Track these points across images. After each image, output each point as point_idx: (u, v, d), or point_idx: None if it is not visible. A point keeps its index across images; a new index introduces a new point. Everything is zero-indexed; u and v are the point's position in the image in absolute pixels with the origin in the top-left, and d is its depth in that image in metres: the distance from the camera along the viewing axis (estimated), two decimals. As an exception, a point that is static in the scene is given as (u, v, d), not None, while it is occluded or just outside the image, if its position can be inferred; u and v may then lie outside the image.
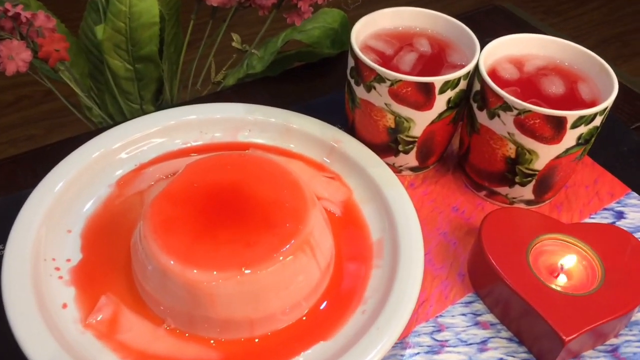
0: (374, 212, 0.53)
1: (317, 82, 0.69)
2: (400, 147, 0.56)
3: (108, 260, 0.49)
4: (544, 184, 0.54)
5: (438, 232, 0.55)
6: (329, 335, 0.45)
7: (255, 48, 0.66)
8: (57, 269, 0.48)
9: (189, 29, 0.63)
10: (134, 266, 0.47)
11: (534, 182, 0.54)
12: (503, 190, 0.56)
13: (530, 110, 0.49)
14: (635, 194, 0.59)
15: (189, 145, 0.57)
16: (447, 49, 0.57)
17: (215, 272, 0.43)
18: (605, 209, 0.58)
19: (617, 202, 0.58)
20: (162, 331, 0.45)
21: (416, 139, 0.55)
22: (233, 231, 0.45)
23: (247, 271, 0.43)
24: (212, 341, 0.45)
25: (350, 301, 0.48)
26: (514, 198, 0.56)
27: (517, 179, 0.54)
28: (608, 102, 0.50)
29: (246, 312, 0.44)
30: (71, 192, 0.52)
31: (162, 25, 0.58)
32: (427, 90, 0.52)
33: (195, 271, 0.43)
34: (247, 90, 0.67)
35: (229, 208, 0.47)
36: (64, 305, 0.45)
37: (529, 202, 0.56)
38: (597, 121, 0.50)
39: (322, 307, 0.47)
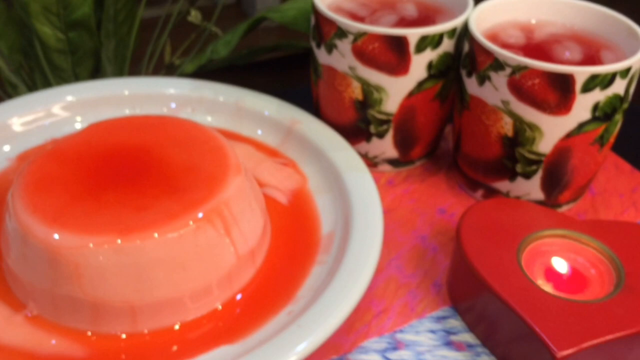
0: (330, 203, 0.47)
1: (291, 75, 0.65)
2: (372, 129, 0.50)
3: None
4: (555, 176, 0.47)
5: (415, 235, 0.48)
6: (237, 337, 0.38)
7: (218, 31, 0.63)
8: None
9: (142, 2, 0.60)
10: (2, 236, 0.42)
11: (540, 172, 0.46)
12: (503, 186, 0.48)
13: (526, 67, 0.43)
14: (687, 207, 0.51)
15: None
16: (436, 14, 0.52)
17: (84, 236, 0.37)
18: (645, 222, 0.50)
19: (662, 215, 0.50)
20: (21, 318, 0.39)
21: (391, 117, 0.49)
22: (124, 194, 0.39)
23: (127, 238, 0.37)
24: (89, 333, 0.38)
25: (278, 299, 0.41)
26: (517, 197, 0.48)
27: (518, 168, 0.47)
28: (632, 61, 0.43)
29: (125, 296, 0.37)
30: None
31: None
32: (399, 48, 0.46)
33: (58, 235, 0.37)
34: (208, 79, 0.63)
35: (128, 170, 0.41)
36: None
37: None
38: (619, 87, 0.43)
39: (238, 305, 0.40)
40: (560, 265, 0.41)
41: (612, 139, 0.47)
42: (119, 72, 0.62)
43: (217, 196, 0.40)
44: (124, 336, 0.38)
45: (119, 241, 0.37)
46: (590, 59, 0.47)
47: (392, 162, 0.52)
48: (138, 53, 0.63)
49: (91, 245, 0.37)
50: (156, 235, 0.37)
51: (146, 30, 0.65)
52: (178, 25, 0.64)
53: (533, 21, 0.50)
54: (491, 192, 0.49)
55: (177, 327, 0.40)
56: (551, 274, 0.40)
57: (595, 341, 0.36)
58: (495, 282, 0.39)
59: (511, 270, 0.39)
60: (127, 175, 0.41)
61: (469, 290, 0.41)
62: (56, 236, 0.37)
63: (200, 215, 0.39)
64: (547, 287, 0.39)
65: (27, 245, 0.38)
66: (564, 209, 0.49)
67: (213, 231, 0.39)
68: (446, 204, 0.50)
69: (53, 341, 0.38)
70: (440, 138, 0.54)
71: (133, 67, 0.64)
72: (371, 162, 0.52)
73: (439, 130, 0.52)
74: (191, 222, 0.38)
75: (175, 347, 0.38)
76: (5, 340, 0.38)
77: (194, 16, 0.61)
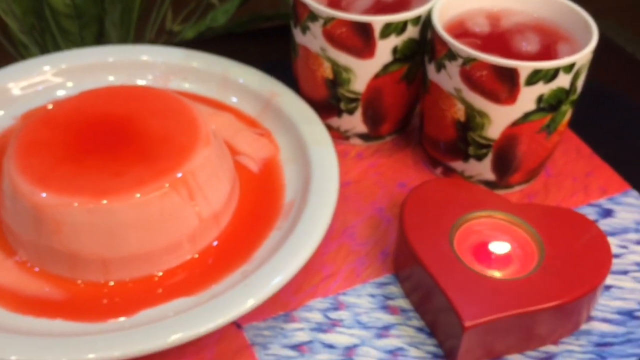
0: (295, 173, 0.52)
1: (288, 44, 0.70)
2: (343, 105, 0.55)
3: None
4: (505, 159, 0.51)
5: (373, 207, 0.53)
6: (194, 291, 0.44)
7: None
8: None
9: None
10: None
11: (490, 155, 0.51)
12: (458, 165, 0.53)
13: (475, 59, 0.47)
14: (635, 193, 0.54)
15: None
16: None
17: (64, 197, 0.43)
18: (591, 205, 0.53)
19: (609, 199, 0.54)
20: (11, 263, 0.45)
21: (359, 96, 0.54)
22: (104, 160, 0.45)
23: (101, 201, 0.43)
24: (79, 281, 0.45)
25: (235, 260, 0.46)
26: (470, 177, 0.53)
27: (470, 151, 0.51)
28: (576, 58, 0.46)
29: (98, 250, 0.43)
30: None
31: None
32: (365, 33, 0.50)
33: (43, 194, 0.43)
34: (207, 46, 0.68)
35: (109, 137, 0.47)
36: None
37: (491, 185, 0.53)
38: (564, 81, 0.47)
39: (198, 262, 0.46)
40: (490, 244, 0.45)
41: (561, 127, 0.50)
42: (125, 36, 0.67)
43: (184, 166, 0.45)
44: (112, 283, 0.45)
45: (93, 203, 0.43)
46: (547, 50, 0.50)
47: (362, 137, 0.57)
48: (143, 18, 0.68)
49: (71, 205, 0.43)
50: (125, 199, 0.43)
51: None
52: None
53: (500, 9, 0.54)
54: (449, 170, 0.54)
55: (160, 274, 0.46)
56: (479, 252, 0.45)
57: (501, 315, 0.41)
58: (425, 256, 0.43)
59: (441, 246, 0.44)
60: (108, 142, 0.47)
61: (406, 261, 0.46)
62: (40, 195, 0.43)
63: (167, 183, 0.44)
64: (474, 264, 0.44)
65: (16, 201, 0.44)
66: (515, 189, 0.54)
67: (178, 197, 0.45)
68: (407, 179, 0.55)
69: (36, 284, 0.44)
70: (411, 116, 0.58)
71: (137, 32, 0.69)
72: (343, 136, 0.57)
73: (407, 110, 0.57)
74: (158, 189, 0.44)
75: (148, 294, 0.45)
76: (-3, 281, 0.44)
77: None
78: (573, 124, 0.56)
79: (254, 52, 0.69)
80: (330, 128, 0.56)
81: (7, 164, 0.45)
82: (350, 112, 0.55)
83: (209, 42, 0.69)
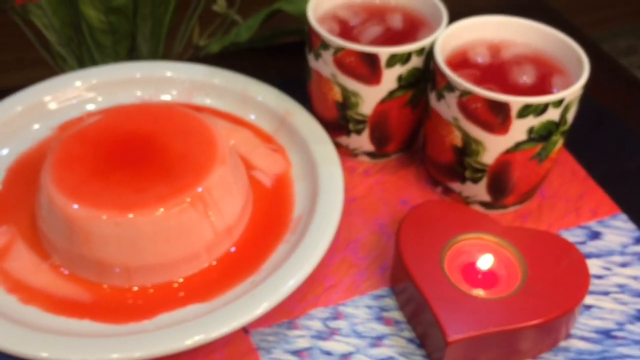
0: (305, 189, 0.56)
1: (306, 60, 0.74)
2: (351, 126, 0.59)
3: (23, 194, 0.55)
4: (499, 183, 0.55)
5: (376, 223, 0.57)
6: (209, 297, 0.49)
7: (242, 15, 0.71)
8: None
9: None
10: (37, 200, 0.53)
11: (485, 179, 0.55)
12: (456, 186, 0.57)
13: (470, 92, 0.51)
14: (624, 216, 0.58)
15: (142, 101, 0.64)
16: (420, 26, 0.59)
17: (93, 210, 0.48)
18: (581, 227, 0.57)
19: (599, 222, 0.57)
20: (46, 266, 0.51)
21: (366, 118, 0.58)
22: (129, 176, 0.50)
23: (126, 215, 0.48)
24: (104, 285, 0.50)
25: (244, 270, 0.51)
26: (467, 197, 0.57)
27: (467, 174, 0.55)
28: (565, 94, 0.50)
29: (122, 258, 0.49)
30: (9, 128, 0.60)
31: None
32: (372, 62, 0.54)
33: (75, 206, 0.48)
34: (230, 60, 0.73)
35: (135, 154, 0.52)
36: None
37: (486, 205, 0.57)
38: (553, 115, 0.51)
39: (214, 269, 0.51)
40: (477, 264, 0.49)
41: (552, 155, 0.54)
42: (155, 50, 0.72)
43: (201, 183, 0.50)
44: (135, 288, 0.50)
45: (120, 217, 0.48)
46: (542, 82, 0.54)
47: (370, 155, 0.61)
48: (171, 33, 0.73)
49: (100, 217, 0.48)
50: (149, 214, 0.48)
51: (180, 9, 0.74)
52: (207, 8, 0.73)
53: (500, 40, 0.57)
54: (448, 190, 0.58)
55: (181, 280, 0.51)
56: (467, 271, 0.49)
57: (483, 331, 0.45)
58: (416, 273, 0.48)
59: (432, 264, 0.49)
60: (133, 159, 0.52)
61: (400, 276, 0.50)
62: (72, 208, 0.48)
63: (185, 199, 0.49)
64: (462, 283, 0.48)
65: (51, 211, 0.49)
66: (510, 209, 0.58)
67: (195, 212, 0.49)
68: (410, 197, 0.59)
69: (67, 286, 0.50)
70: (416, 136, 0.62)
71: (166, 46, 0.74)
72: (351, 153, 0.61)
73: (411, 131, 0.61)
74: (178, 205, 0.49)
75: (164, 300, 0.50)
76: (33, 282, 0.50)
77: (219, 5, 0.70)
78: (571, 144, 0.60)
79: (275, 66, 0.73)
80: (339, 146, 0.60)
81: (44, 177, 0.51)
82: (358, 132, 0.59)
83: (233, 56, 0.74)
